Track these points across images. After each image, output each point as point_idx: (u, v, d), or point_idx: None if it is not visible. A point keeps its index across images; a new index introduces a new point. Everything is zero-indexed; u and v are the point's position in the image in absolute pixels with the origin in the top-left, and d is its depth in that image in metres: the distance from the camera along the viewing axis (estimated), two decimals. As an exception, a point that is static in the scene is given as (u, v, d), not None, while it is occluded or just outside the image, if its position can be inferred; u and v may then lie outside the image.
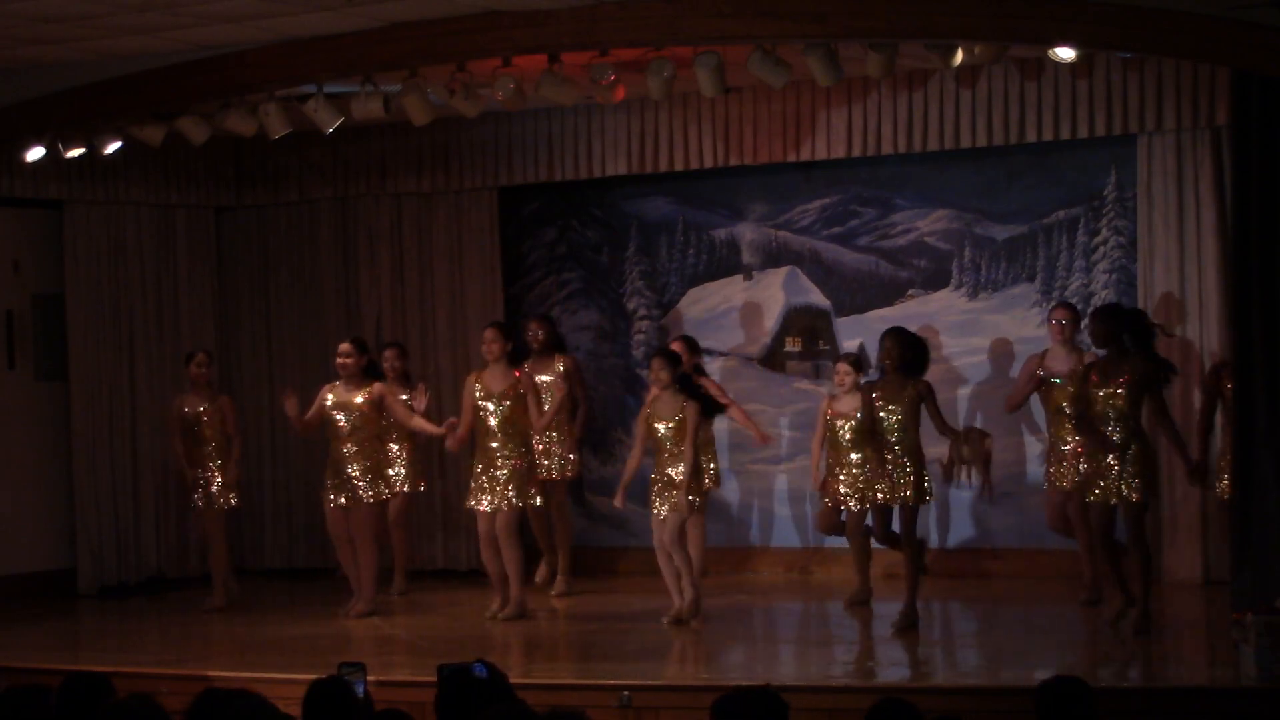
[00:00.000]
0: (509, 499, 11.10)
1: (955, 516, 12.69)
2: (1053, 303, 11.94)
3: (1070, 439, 10.85)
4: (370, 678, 7.57)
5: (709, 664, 9.98)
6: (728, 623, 11.14)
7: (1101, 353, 10.21)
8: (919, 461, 10.39)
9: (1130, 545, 9.95)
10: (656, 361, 10.90)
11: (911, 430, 10.40)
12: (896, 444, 10.37)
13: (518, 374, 11.31)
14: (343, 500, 11.56)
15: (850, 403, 11.16)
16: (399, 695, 8.33)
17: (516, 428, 11.22)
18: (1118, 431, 9.87)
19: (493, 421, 11.19)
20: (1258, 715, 8.15)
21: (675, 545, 10.67)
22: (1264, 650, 8.29)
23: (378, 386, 11.68)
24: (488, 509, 11.14)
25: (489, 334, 11.42)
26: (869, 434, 10.56)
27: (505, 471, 11.14)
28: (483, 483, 11.18)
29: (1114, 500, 9.87)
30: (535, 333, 12.39)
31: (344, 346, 11.73)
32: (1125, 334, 10.01)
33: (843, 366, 11.40)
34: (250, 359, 14.55)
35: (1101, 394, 9.95)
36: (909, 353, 10.46)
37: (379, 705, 6.36)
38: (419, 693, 7.96)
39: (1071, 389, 10.70)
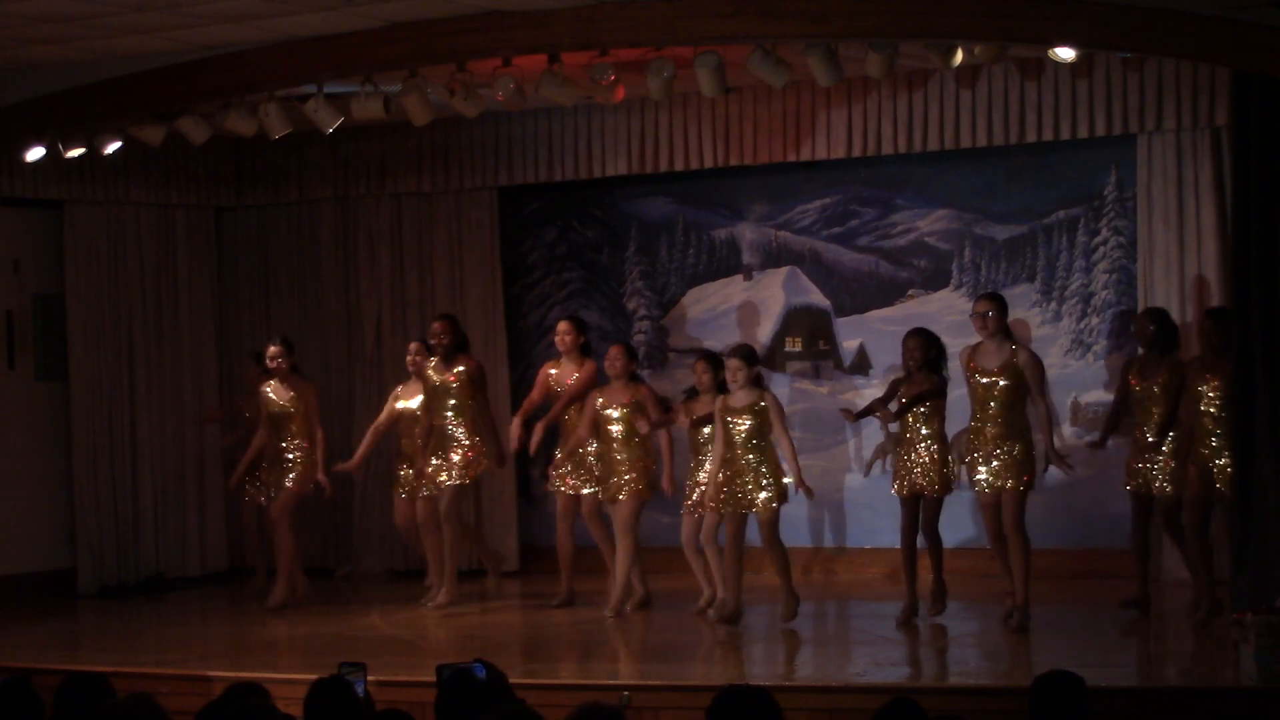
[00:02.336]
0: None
1: (955, 516, 12.67)
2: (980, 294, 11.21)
3: (989, 441, 10.25)
4: (370, 677, 7.57)
5: (709, 664, 9.97)
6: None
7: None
8: (945, 455, 10.60)
9: (1193, 539, 10.25)
10: (699, 365, 11.16)
11: (936, 423, 10.59)
12: (926, 438, 10.54)
13: (583, 366, 11.77)
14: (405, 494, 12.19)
15: (707, 405, 10.92)
16: (399, 695, 8.33)
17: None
18: (1156, 428, 10.11)
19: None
20: (1258, 715, 8.15)
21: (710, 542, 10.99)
22: (1264, 650, 8.29)
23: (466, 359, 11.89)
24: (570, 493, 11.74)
25: (562, 326, 11.84)
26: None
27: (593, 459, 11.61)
28: (566, 468, 11.67)
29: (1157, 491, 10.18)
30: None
31: (413, 345, 12.22)
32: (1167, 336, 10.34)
33: (699, 365, 11.14)
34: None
35: (1139, 390, 10.28)
36: (933, 351, 10.67)
37: (379, 705, 6.36)
38: (419, 693, 7.97)
39: (1004, 383, 10.23)
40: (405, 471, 12.19)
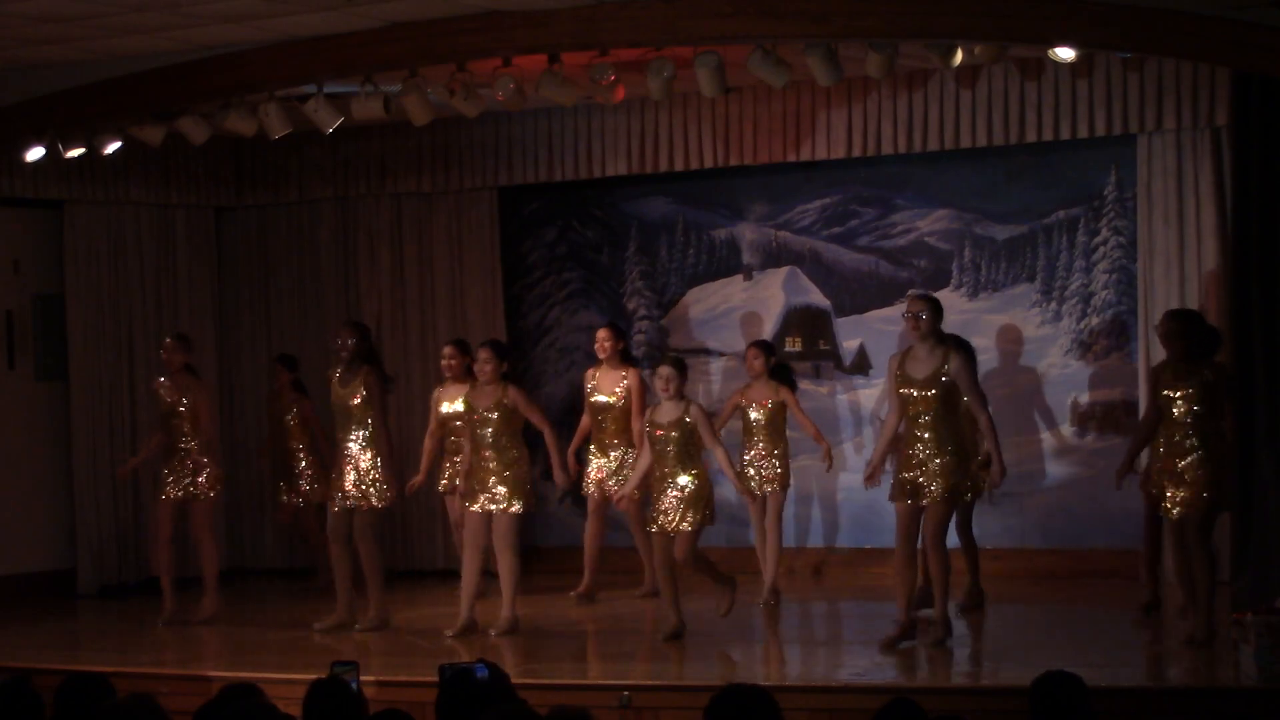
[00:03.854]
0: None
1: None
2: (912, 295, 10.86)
3: (921, 449, 9.82)
4: (370, 678, 7.58)
5: (709, 664, 9.97)
6: (728, 623, 11.14)
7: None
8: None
9: (1196, 549, 9.45)
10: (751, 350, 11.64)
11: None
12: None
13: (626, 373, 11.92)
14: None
15: (672, 411, 10.31)
16: (399, 695, 8.33)
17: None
18: (1191, 435, 9.47)
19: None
20: (1258, 715, 8.15)
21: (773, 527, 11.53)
22: (1264, 650, 8.29)
23: (511, 390, 11.23)
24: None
25: (602, 334, 11.96)
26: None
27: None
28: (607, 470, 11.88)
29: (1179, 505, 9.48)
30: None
31: (482, 353, 10.80)
32: (1195, 339, 9.66)
33: (751, 351, 11.69)
34: (250, 359, 14.54)
35: (1176, 396, 9.56)
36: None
37: (379, 705, 6.36)
38: (419, 693, 7.97)
39: (931, 392, 9.63)
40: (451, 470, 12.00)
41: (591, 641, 10.84)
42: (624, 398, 11.87)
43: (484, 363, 10.66)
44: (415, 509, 13.72)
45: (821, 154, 12.83)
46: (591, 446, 12.06)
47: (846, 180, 13.17)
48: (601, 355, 11.93)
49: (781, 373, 11.82)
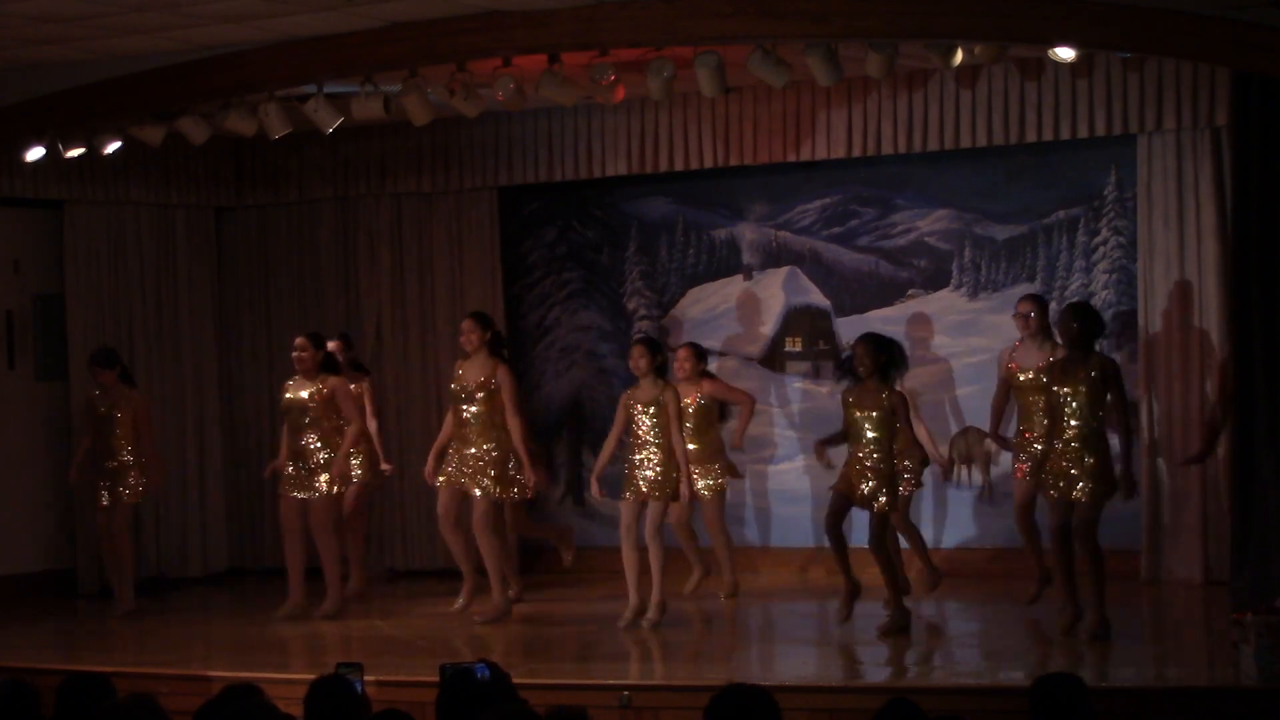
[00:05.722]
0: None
1: (954, 516, 12.70)
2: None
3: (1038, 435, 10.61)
4: (370, 678, 7.58)
5: (709, 664, 9.98)
6: (728, 623, 11.15)
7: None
8: (891, 467, 10.30)
9: (1080, 548, 9.83)
10: (636, 349, 10.92)
11: (885, 436, 10.24)
12: (873, 449, 10.22)
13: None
14: (299, 494, 11.61)
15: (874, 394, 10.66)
16: (399, 695, 8.34)
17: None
18: (1076, 431, 9.80)
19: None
20: (1258, 715, 8.15)
21: (653, 538, 10.74)
22: (1264, 650, 8.29)
23: (331, 380, 11.72)
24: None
25: (466, 324, 11.30)
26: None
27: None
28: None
29: (1069, 498, 9.83)
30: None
31: (299, 340, 11.81)
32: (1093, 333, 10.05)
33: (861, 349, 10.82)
34: (250, 359, 14.54)
35: (1061, 391, 9.89)
36: (883, 357, 10.31)
37: (380, 705, 6.36)
38: (419, 693, 7.97)
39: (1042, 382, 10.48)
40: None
41: (591, 641, 10.84)
42: (485, 391, 11.25)
43: (638, 358, 10.86)
44: (416, 508, 13.72)
45: (821, 154, 12.83)
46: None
47: (846, 180, 13.17)
48: (468, 349, 11.24)
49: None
